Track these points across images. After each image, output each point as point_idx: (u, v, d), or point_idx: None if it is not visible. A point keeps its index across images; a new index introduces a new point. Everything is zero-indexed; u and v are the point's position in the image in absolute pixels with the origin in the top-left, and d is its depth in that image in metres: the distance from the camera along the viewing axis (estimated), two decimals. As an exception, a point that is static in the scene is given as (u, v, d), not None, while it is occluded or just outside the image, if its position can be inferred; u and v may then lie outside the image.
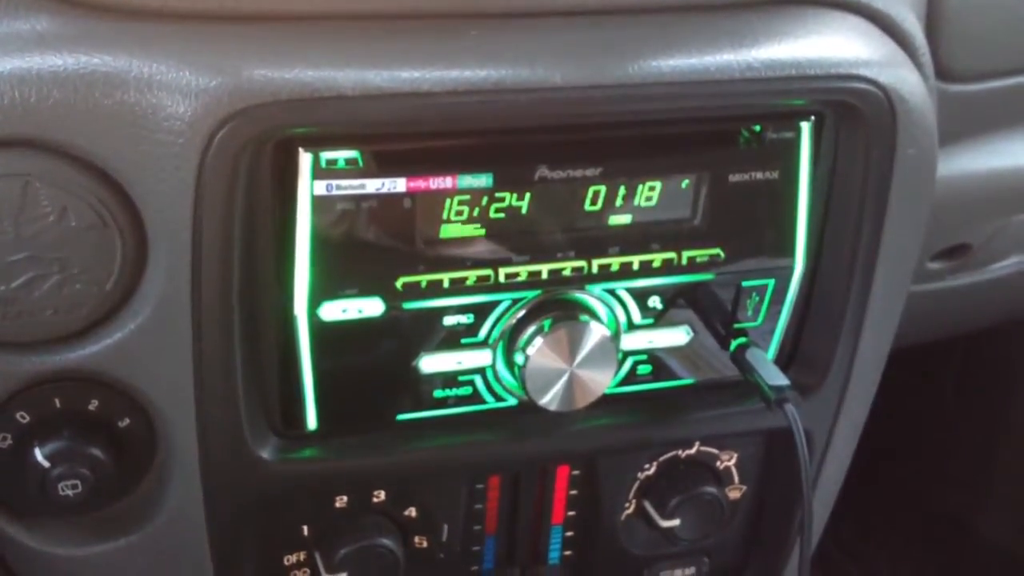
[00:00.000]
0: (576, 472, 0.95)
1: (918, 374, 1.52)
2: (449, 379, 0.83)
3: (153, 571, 0.83)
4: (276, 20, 0.71)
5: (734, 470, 0.99)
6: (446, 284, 0.78)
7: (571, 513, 0.97)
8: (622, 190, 0.79)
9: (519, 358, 0.81)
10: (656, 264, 0.83)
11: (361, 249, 0.76)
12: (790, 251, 0.86)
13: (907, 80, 0.80)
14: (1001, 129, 1.01)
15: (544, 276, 0.80)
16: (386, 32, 0.72)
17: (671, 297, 0.85)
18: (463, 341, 0.81)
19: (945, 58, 0.91)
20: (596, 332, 0.81)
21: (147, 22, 0.69)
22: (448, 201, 0.76)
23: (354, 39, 0.71)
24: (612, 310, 0.84)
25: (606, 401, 0.85)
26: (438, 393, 0.83)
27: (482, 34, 0.73)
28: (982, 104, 0.97)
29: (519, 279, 0.80)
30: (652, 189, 0.80)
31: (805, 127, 0.82)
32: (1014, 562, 1.56)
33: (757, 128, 0.81)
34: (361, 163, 0.73)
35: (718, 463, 0.98)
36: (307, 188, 0.72)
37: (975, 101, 0.96)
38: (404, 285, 0.77)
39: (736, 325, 0.87)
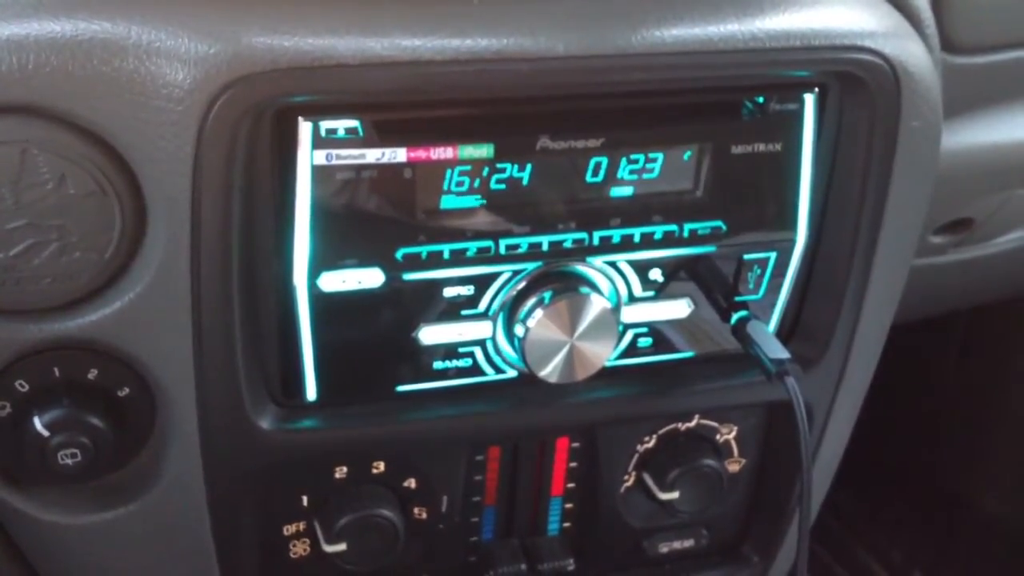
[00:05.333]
0: (576, 444, 0.95)
1: (920, 348, 1.52)
2: (449, 351, 0.83)
3: (152, 540, 0.83)
4: (276, -13, 0.70)
5: (734, 443, 0.99)
6: (446, 255, 0.78)
7: (570, 485, 0.97)
8: (624, 161, 0.79)
9: (519, 330, 0.81)
10: (657, 236, 0.82)
11: (361, 219, 0.75)
12: (792, 224, 0.86)
13: (912, 52, 0.80)
14: (1006, 102, 1.00)
15: (545, 248, 0.80)
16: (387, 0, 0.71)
17: (672, 269, 0.85)
18: (463, 312, 0.81)
19: (950, 30, 0.90)
20: (597, 304, 0.81)
21: (146, -11, 0.68)
22: (449, 171, 0.75)
23: (355, 6, 0.70)
24: (613, 282, 0.84)
25: (606, 373, 0.85)
26: (438, 364, 0.83)
27: (484, 3, 0.72)
28: (987, 77, 0.97)
29: (520, 251, 0.80)
30: (654, 160, 0.79)
31: (809, 98, 0.82)
32: (1013, 537, 1.57)
33: (760, 99, 0.81)
34: (361, 132, 0.73)
35: (718, 436, 0.98)
36: (307, 157, 0.72)
37: (980, 74, 0.96)
38: (404, 256, 0.77)
39: (737, 298, 0.87)
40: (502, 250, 0.79)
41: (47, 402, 0.74)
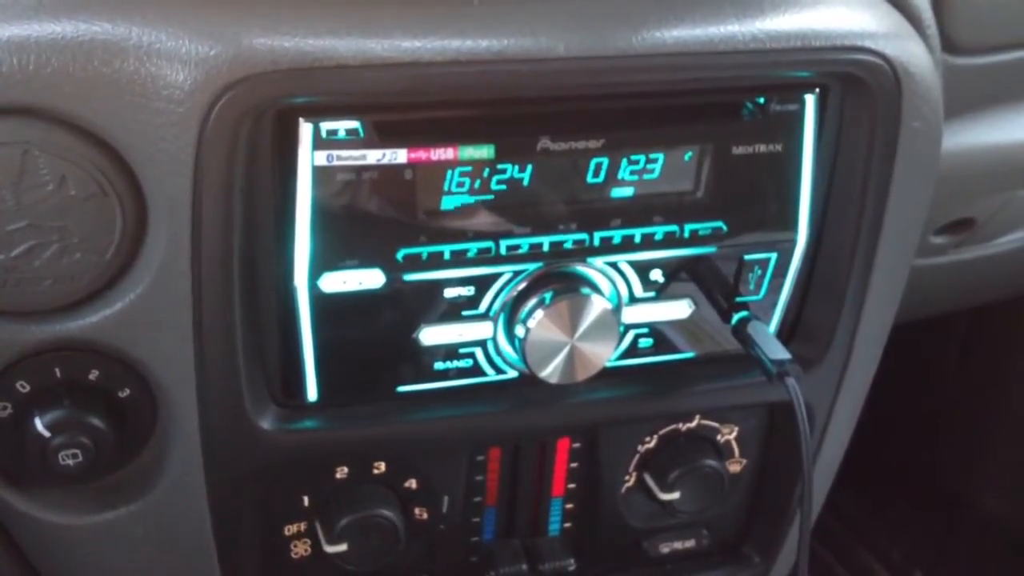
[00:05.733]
0: (577, 444, 0.95)
1: (920, 348, 1.52)
2: (450, 351, 0.83)
3: (153, 540, 0.83)
4: (276, -12, 0.70)
5: (735, 443, 0.99)
6: (447, 256, 0.78)
7: (571, 485, 0.97)
8: (624, 162, 0.79)
9: (520, 330, 0.81)
10: (658, 237, 0.82)
11: (362, 220, 0.75)
12: (793, 225, 0.86)
13: (913, 52, 0.80)
14: (1006, 102, 1.00)
15: (545, 248, 0.80)
16: (388, 0, 0.71)
17: (673, 270, 0.85)
18: (464, 313, 0.81)
19: (951, 30, 0.90)
20: (597, 305, 0.81)
21: (146, -10, 0.68)
22: (449, 172, 0.75)
23: (355, 7, 0.70)
24: (614, 283, 0.84)
25: (607, 374, 0.85)
26: (439, 365, 0.83)
27: (484, 3, 0.72)
28: (987, 77, 0.97)
29: (520, 251, 0.80)
30: (655, 161, 0.79)
31: (810, 99, 0.82)
32: (1013, 537, 1.57)
33: (761, 100, 0.81)
34: (362, 133, 0.73)
35: (719, 436, 0.98)
36: (308, 158, 0.72)
37: (981, 74, 0.96)
38: (405, 257, 0.77)
39: (738, 299, 0.87)
40: (503, 251, 0.79)
41: (48, 403, 0.74)
